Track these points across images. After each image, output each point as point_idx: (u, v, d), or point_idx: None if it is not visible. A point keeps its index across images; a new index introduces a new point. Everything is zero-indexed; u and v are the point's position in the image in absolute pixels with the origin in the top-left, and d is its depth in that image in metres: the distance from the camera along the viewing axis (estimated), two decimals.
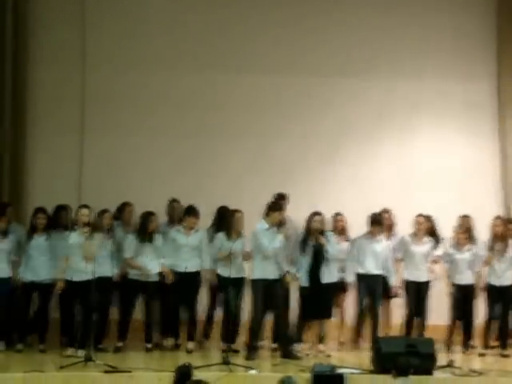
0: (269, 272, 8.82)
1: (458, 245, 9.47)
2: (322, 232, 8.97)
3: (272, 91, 10.85)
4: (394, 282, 9.45)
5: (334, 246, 9.01)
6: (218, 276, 9.16)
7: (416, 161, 10.96)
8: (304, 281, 8.95)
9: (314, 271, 8.91)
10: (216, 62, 10.73)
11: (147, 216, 9.10)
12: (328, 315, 9.06)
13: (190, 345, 9.19)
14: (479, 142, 11.06)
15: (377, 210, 9.71)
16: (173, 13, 10.78)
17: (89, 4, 10.61)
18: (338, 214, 9.68)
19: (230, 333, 9.08)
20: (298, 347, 9.09)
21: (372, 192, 10.49)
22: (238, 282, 9.09)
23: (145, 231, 9.08)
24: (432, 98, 11.00)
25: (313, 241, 8.96)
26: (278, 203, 9.03)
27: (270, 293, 8.86)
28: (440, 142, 11.02)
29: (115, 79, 10.60)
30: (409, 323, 9.48)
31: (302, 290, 8.97)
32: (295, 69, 10.83)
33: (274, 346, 9.15)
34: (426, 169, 10.93)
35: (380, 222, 9.45)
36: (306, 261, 8.93)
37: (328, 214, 9.47)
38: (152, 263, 9.11)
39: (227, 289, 9.07)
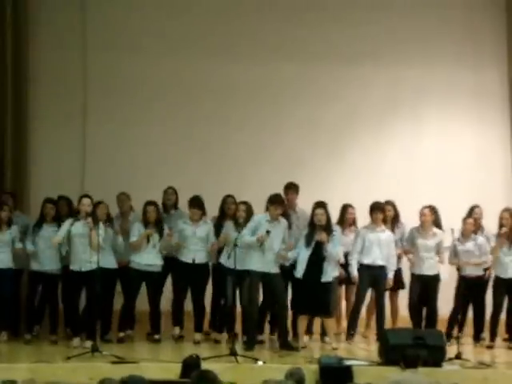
0: (266, 265, 8.73)
1: (463, 236, 9.39)
2: (327, 227, 8.80)
3: (280, 80, 10.75)
4: (392, 274, 9.34)
5: (336, 247, 8.80)
6: (220, 265, 9.14)
7: (425, 150, 10.86)
8: (300, 273, 8.75)
9: (314, 266, 8.73)
10: (224, 50, 10.63)
11: (144, 207, 9.12)
12: (327, 312, 8.87)
13: (198, 336, 9.18)
14: (489, 132, 10.94)
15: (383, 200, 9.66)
16: None
17: None
18: (348, 206, 9.52)
19: (225, 323, 9.16)
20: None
21: (380, 183, 10.40)
22: (241, 273, 8.90)
23: (146, 221, 9.09)
24: (441, 88, 10.90)
25: (317, 235, 8.79)
26: (276, 196, 8.87)
27: (270, 286, 8.82)
28: (450, 131, 10.91)
29: (118, 68, 10.51)
30: (413, 316, 9.39)
31: (299, 281, 8.76)
32: (303, 57, 10.71)
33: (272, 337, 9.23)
34: (435, 159, 10.83)
35: (381, 209, 9.35)
36: (306, 254, 8.76)
37: (336, 205, 9.44)
38: (154, 252, 9.08)
39: (227, 278, 9.04)
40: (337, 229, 8.99)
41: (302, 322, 8.97)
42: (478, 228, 9.65)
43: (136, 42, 10.54)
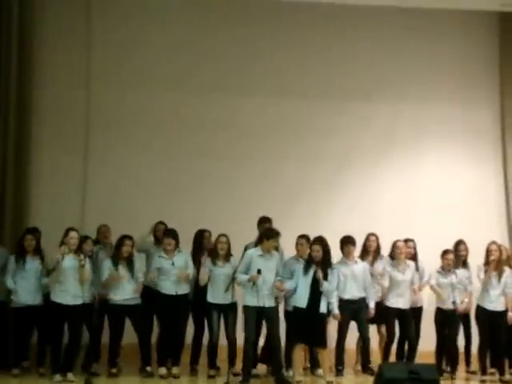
0: (261, 299, 8.74)
1: (444, 267, 9.49)
2: (324, 262, 8.82)
3: (276, 115, 10.90)
4: (373, 304, 9.39)
5: (333, 283, 8.82)
6: (207, 302, 9.13)
7: (419, 186, 11.01)
8: (300, 302, 8.75)
9: (315, 297, 8.75)
10: (221, 85, 10.78)
11: (121, 240, 9.12)
12: (324, 344, 8.84)
13: (175, 370, 9.17)
14: (483, 167, 11.12)
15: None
16: (180, 33, 10.84)
17: (95, 24, 10.66)
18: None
19: (213, 358, 9.15)
20: (289, 372, 9.04)
21: (375, 217, 10.52)
22: (225, 308, 9.01)
23: (119, 255, 9.11)
24: (436, 124, 11.07)
25: (314, 268, 8.81)
26: (270, 231, 8.97)
27: (265, 319, 8.84)
28: (444, 167, 11.08)
29: (120, 100, 10.65)
30: (387, 350, 9.46)
31: (297, 310, 8.76)
32: (300, 92, 10.90)
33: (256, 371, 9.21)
34: (429, 194, 10.97)
35: (352, 242, 9.38)
36: (306, 284, 8.76)
37: (335, 235, 9.43)
38: (129, 286, 9.09)
39: (212, 314, 9.09)
40: (336, 267, 9.00)
41: (297, 355, 8.95)
42: (463, 263, 9.73)
43: (137, 78, 10.68)
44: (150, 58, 10.78)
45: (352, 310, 9.26)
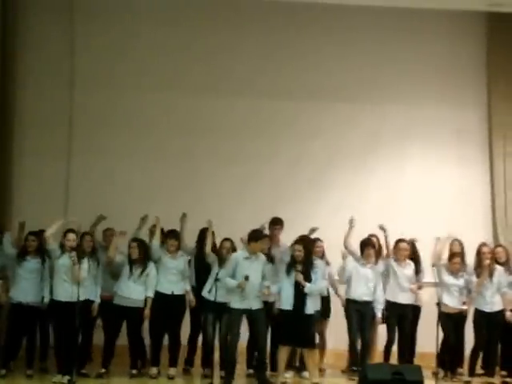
0: (247, 301, 8.72)
1: (452, 271, 9.44)
2: (306, 262, 8.77)
3: (264, 115, 10.90)
4: (380, 314, 9.35)
5: (317, 282, 8.79)
6: (202, 299, 9.13)
7: (406, 186, 11.00)
8: (286, 304, 8.71)
9: (299, 298, 8.70)
10: (207, 87, 10.77)
11: (128, 243, 9.20)
12: (312, 345, 8.84)
13: (172, 371, 9.14)
14: (469, 168, 11.12)
15: (365, 234, 9.74)
16: (166, 36, 10.81)
17: (79, 26, 10.62)
18: (316, 240, 9.53)
19: (208, 358, 9.11)
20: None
21: (361, 217, 10.37)
22: (222, 307, 8.97)
23: (130, 259, 9.17)
24: (423, 124, 11.06)
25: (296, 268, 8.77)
26: (258, 232, 8.94)
27: (252, 321, 8.77)
28: (430, 167, 11.06)
29: (104, 100, 10.62)
30: (387, 351, 9.43)
31: (283, 312, 8.72)
32: (286, 93, 10.88)
33: (249, 371, 9.18)
34: (415, 194, 10.96)
35: (372, 245, 9.42)
36: (290, 285, 8.73)
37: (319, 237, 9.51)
38: (138, 288, 9.11)
39: (207, 313, 9.06)
40: (319, 263, 8.96)
41: (282, 356, 8.88)
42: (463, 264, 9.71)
43: (121, 82, 10.65)
44: (136, 59, 10.75)
45: (358, 311, 9.25)
